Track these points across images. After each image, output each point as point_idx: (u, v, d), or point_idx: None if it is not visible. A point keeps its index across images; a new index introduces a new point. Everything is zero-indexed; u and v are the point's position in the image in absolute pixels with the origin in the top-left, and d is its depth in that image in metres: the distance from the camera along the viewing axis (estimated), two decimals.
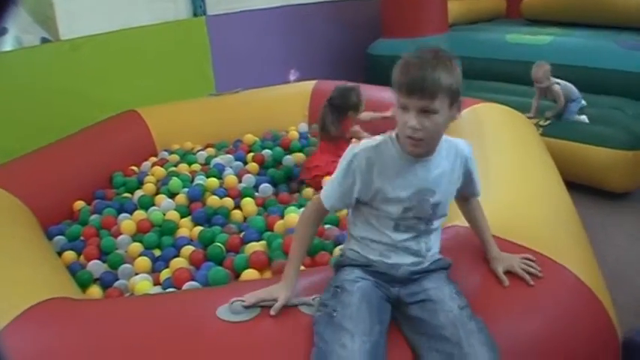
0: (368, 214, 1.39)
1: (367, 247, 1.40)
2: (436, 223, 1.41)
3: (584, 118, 3.61)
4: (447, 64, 1.25)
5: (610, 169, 3.29)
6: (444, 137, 1.36)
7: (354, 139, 2.76)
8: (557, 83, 3.65)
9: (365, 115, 2.92)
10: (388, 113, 2.71)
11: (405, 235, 1.37)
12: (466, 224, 1.59)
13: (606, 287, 1.58)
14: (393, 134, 1.35)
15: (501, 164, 2.16)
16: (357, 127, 2.87)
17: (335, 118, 2.86)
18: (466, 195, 1.50)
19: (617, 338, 1.45)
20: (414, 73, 1.23)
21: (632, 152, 3.25)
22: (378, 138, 1.38)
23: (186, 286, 1.98)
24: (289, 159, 3.15)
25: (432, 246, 1.42)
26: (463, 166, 1.41)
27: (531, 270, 1.43)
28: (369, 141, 1.38)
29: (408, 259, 1.38)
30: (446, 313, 1.28)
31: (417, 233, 1.38)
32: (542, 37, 4.59)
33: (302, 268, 1.95)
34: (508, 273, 1.44)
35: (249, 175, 2.98)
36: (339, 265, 1.43)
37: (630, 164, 3.26)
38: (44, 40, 3.80)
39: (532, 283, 1.41)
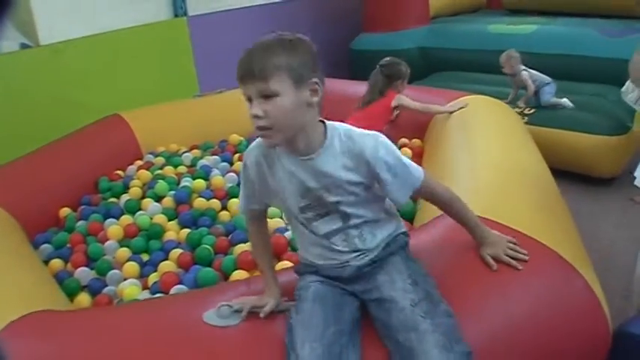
0: (287, 217, 1.37)
1: (308, 252, 1.37)
2: (359, 219, 1.29)
3: (565, 100, 3.60)
4: (285, 44, 1.17)
5: (595, 155, 3.32)
6: (345, 129, 1.26)
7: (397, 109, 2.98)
8: (525, 71, 3.69)
9: (418, 105, 2.98)
10: (448, 108, 2.83)
11: (324, 231, 1.29)
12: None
13: (594, 270, 1.58)
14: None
15: (487, 154, 2.17)
16: (403, 97, 2.98)
17: (384, 86, 3.00)
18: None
19: (607, 320, 1.45)
20: (244, 58, 1.17)
21: (615, 137, 3.29)
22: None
23: (173, 289, 1.96)
24: None
25: (374, 236, 1.32)
26: (369, 170, 1.24)
27: (518, 255, 1.39)
28: (258, 140, 1.30)
29: (348, 255, 1.31)
30: (397, 313, 1.20)
31: (337, 228, 1.29)
32: (525, 27, 4.61)
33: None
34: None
35: (233, 174, 2.96)
36: (297, 272, 1.41)
37: (614, 149, 3.29)
38: (24, 46, 3.75)
39: (520, 267, 1.38)
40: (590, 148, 3.32)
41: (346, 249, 1.32)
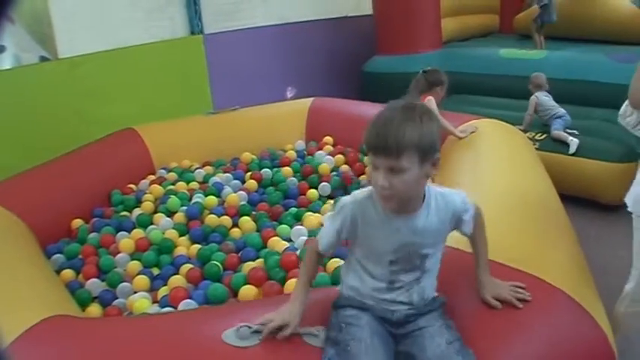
0: (358, 268, 1.41)
1: (361, 294, 1.41)
2: (427, 270, 1.40)
3: (573, 140, 3.55)
4: (416, 118, 1.23)
5: (603, 182, 3.33)
6: (438, 191, 1.38)
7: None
8: (537, 97, 3.77)
9: (439, 117, 3.01)
10: (459, 134, 2.88)
11: (395, 292, 1.38)
12: (465, 250, 1.59)
13: (601, 298, 1.59)
14: (361, 193, 1.38)
15: (494, 182, 2.18)
16: (432, 102, 3.01)
17: (424, 89, 3.08)
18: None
19: (615, 356, 1.45)
20: (379, 132, 1.22)
21: (624, 164, 3.30)
22: (364, 192, 1.39)
23: (182, 304, 1.98)
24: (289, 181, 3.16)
25: (426, 292, 1.42)
26: (455, 218, 1.40)
27: (519, 296, 1.42)
28: (356, 194, 1.40)
29: (402, 307, 1.39)
30: (434, 348, 1.29)
31: (408, 287, 1.39)
32: (537, 52, 4.65)
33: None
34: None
35: (242, 192, 2.99)
36: (337, 306, 1.43)
37: (623, 176, 3.29)
38: (43, 59, 3.83)
39: (520, 306, 1.40)
40: (599, 174, 3.33)
41: (405, 300, 1.39)
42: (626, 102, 1.78)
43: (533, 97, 3.79)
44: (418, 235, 1.34)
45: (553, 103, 3.77)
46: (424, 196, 1.35)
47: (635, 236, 1.75)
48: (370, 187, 1.37)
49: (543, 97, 3.79)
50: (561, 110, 3.70)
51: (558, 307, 1.46)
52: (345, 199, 1.40)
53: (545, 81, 3.87)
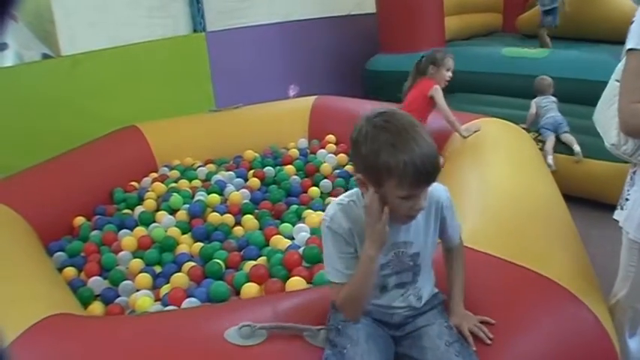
0: None
1: None
2: (420, 270, 1.37)
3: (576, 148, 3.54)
4: (425, 133, 1.21)
5: (607, 182, 3.31)
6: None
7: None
8: (544, 101, 3.75)
9: (447, 108, 2.99)
10: (463, 132, 2.88)
11: (390, 296, 1.36)
12: (471, 247, 1.59)
13: (604, 298, 1.59)
14: (359, 193, 1.30)
15: (497, 182, 2.17)
16: (440, 91, 3.00)
17: (424, 67, 3.07)
18: (444, 243, 1.45)
19: (616, 353, 1.45)
20: (426, 167, 1.17)
21: (627, 164, 3.27)
22: (343, 199, 1.33)
23: (185, 302, 1.98)
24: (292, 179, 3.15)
25: (423, 292, 1.39)
26: (439, 212, 1.36)
27: (480, 334, 1.36)
28: (333, 206, 1.33)
29: (400, 310, 1.38)
30: (433, 351, 1.29)
31: (403, 291, 1.36)
32: (540, 51, 4.63)
33: (303, 282, 1.98)
34: (503, 294, 1.46)
35: (245, 190, 2.99)
36: (335, 307, 1.40)
37: (624, 175, 3.28)
38: (45, 56, 3.83)
39: (473, 347, 1.33)
40: (603, 174, 3.32)
41: (402, 304, 1.37)
42: (615, 129, 1.65)
43: (534, 100, 3.80)
44: (405, 234, 1.32)
45: (550, 111, 3.71)
46: None
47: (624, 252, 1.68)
48: (348, 196, 1.34)
49: (541, 103, 3.78)
50: (555, 119, 3.66)
51: (561, 305, 1.46)
52: (326, 217, 1.31)
53: (549, 85, 3.84)
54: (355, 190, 1.33)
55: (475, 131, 2.85)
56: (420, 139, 1.18)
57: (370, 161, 1.19)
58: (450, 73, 3.05)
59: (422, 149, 1.17)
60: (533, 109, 3.79)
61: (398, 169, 1.16)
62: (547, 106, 3.77)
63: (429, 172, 1.19)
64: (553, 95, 3.83)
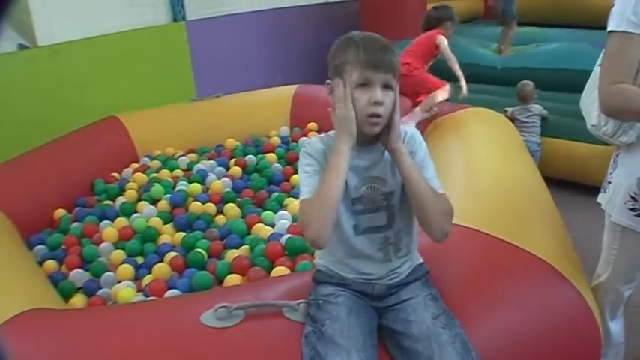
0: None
1: (340, 263, 1.37)
2: (399, 225, 1.35)
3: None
4: (392, 47, 1.30)
5: (590, 163, 3.36)
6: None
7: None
8: (522, 112, 3.67)
9: (452, 56, 3.15)
10: (462, 78, 3.11)
11: (367, 225, 1.33)
12: (457, 223, 1.57)
13: (587, 279, 1.61)
14: (330, 133, 1.34)
15: (480, 164, 2.20)
16: (445, 41, 3.13)
17: (434, 22, 3.22)
18: None
19: (598, 328, 1.48)
20: (376, 49, 1.27)
21: (610, 146, 3.32)
22: (322, 136, 1.39)
23: (168, 293, 1.97)
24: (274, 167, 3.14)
25: (402, 245, 1.37)
26: (409, 147, 1.33)
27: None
28: (318, 137, 1.40)
29: (381, 270, 1.35)
30: (419, 324, 1.26)
31: (381, 226, 1.33)
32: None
33: (286, 271, 1.98)
34: (486, 267, 1.47)
35: (227, 179, 2.97)
36: (317, 280, 1.40)
37: (609, 157, 3.33)
38: (22, 47, 3.76)
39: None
40: (585, 156, 3.37)
41: (380, 256, 1.35)
42: (595, 111, 1.65)
43: (511, 109, 3.70)
44: (380, 170, 1.33)
45: (529, 134, 3.55)
46: None
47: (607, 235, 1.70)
48: (322, 135, 1.38)
49: (521, 117, 3.61)
50: (531, 145, 3.41)
51: (545, 281, 1.48)
52: (306, 142, 1.39)
53: (531, 91, 3.67)
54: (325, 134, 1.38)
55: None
56: (378, 37, 1.30)
57: (331, 57, 1.32)
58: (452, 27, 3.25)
59: (372, 36, 1.30)
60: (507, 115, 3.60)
61: (352, 53, 1.27)
62: (527, 125, 3.58)
63: (377, 52, 1.26)
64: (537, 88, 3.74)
